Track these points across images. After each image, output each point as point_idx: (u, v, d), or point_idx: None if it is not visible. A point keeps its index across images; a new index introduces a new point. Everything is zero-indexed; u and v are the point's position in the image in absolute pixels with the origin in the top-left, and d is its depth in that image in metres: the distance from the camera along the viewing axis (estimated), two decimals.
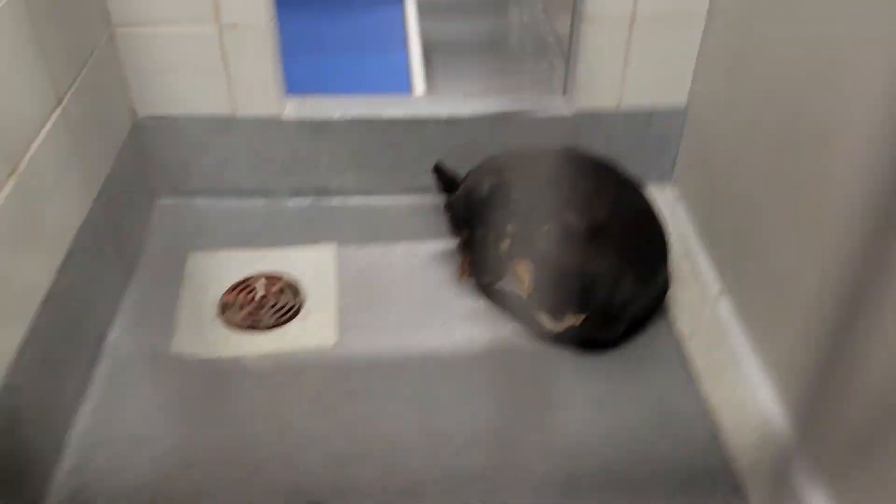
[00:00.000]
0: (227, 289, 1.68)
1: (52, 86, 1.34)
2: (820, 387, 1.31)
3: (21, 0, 1.22)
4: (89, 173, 1.50)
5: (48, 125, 1.32)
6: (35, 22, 1.28)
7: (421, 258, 1.78)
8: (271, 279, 1.70)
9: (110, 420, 1.40)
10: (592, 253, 1.52)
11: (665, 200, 1.83)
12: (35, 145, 1.27)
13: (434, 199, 1.90)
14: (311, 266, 1.75)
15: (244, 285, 1.69)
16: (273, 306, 1.64)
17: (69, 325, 1.38)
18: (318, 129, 1.81)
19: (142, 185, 1.80)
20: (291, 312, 1.63)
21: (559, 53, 2.48)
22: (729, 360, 1.50)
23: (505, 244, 1.68)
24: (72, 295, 1.38)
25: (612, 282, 1.50)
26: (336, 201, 1.91)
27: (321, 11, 2.58)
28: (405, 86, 2.17)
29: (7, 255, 1.18)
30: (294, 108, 1.81)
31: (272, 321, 1.61)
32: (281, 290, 1.68)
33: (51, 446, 1.30)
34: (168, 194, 1.87)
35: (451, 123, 1.82)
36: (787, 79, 1.38)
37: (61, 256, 1.36)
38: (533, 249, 1.62)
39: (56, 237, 1.35)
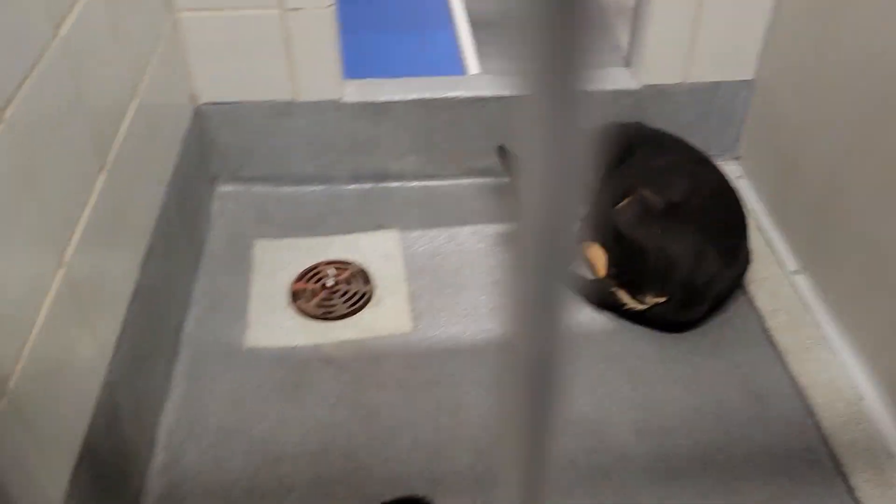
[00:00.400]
0: (296, 277, 1.66)
1: (130, 76, 1.31)
2: None
3: None
4: (160, 164, 1.48)
5: (128, 116, 1.29)
6: (112, 9, 1.24)
7: (488, 241, 1.75)
8: (340, 266, 1.68)
9: (196, 414, 1.39)
10: (673, 231, 1.50)
11: (729, 175, 1.81)
12: (119, 137, 1.24)
13: (497, 181, 1.88)
14: (376, 252, 1.73)
15: (313, 273, 1.67)
16: (345, 294, 1.62)
17: (153, 319, 1.36)
18: (378, 111, 1.78)
19: (203, 173, 1.77)
20: (364, 300, 1.61)
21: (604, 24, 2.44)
22: (814, 337, 1.49)
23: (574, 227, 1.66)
24: (154, 287, 1.36)
25: (694, 260, 1.48)
26: (396, 185, 1.88)
27: None
28: (457, 64, 2.14)
29: (103, 251, 1.16)
30: (354, 91, 1.78)
31: (346, 309, 1.59)
32: (351, 278, 1.66)
33: (144, 442, 1.29)
34: (228, 181, 1.85)
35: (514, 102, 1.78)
36: (878, 48, 1.35)
37: (143, 249, 1.34)
38: (607, 230, 1.60)
39: (138, 230, 1.33)
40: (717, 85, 1.79)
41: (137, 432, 1.27)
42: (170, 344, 1.45)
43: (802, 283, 1.59)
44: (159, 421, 1.36)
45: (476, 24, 2.35)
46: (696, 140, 1.75)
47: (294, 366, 1.49)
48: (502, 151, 1.75)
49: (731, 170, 1.89)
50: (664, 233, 1.50)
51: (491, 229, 1.78)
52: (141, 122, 1.35)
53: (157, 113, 1.46)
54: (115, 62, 1.25)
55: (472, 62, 2.09)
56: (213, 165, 1.82)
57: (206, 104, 1.72)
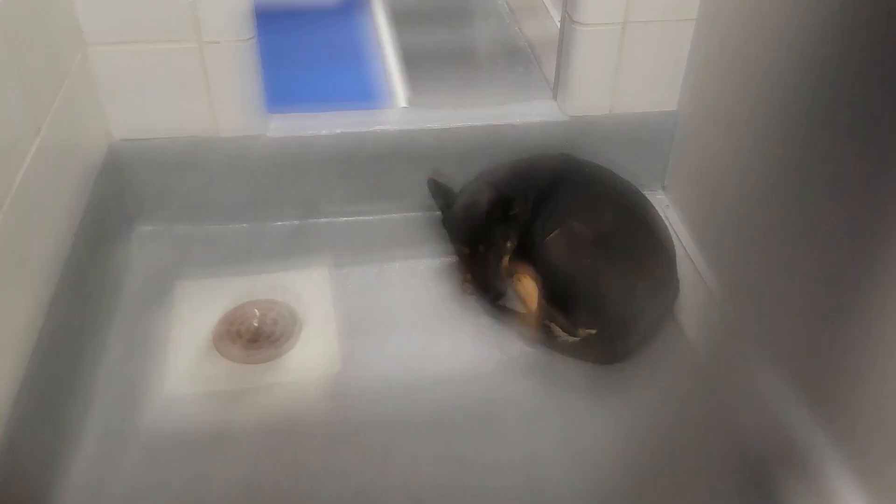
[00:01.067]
0: (219, 319, 1.59)
1: (32, 114, 1.24)
2: (842, 383, 1.30)
3: None
4: (69, 204, 1.40)
5: (29, 157, 1.22)
6: (12, 43, 1.18)
7: (419, 276, 1.72)
8: (265, 306, 1.62)
9: (107, 470, 1.30)
10: (602, 262, 1.49)
11: (657, 206, 1.82)
12: (17, 181, 1.17)
13: (427, 215, 1.85)
14: (304, 290, 1.68)
15: (238, 314, 1.60)
16: (271, 335, 1.56)
17: (61, 369, 1.28)
18: (303, 146, 1.74)
19: (119, 213, 1.69)
20: (291, 340, 1.55)
21: (532, 58, 2.46)
22: (744, 365, 1.49)
23: (506, 260, 1.64)
24: (61, 336, 1.29)
25: (624, 292, 1.47)
26: (325, 221, 1.84)
27: (283, 25, 2.49)
28: (384, 99, 2.11)
29: None
30: (278, 126, 1.73)
31: (271, 351, 1.53)
32: (277, 318, 1.60)
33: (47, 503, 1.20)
34: (147, 221, 1.77)
35: (443, 135, 1.77)
36: (791, 76, 1.38)
37: (49, 295, 1.26)
38: (538, 263, 1.59)
39: (43, 275, 1.25)
40: (643, 116, 1.81)
41: (43, 493, 1.18)
42: (80, 395, 1.36)
43: (730, 310, 1.60)
44: (67, 479, 1.27)
45: (407, 59, 2.33)
46: (623, 171, 1.76)
47: (216, 413, 1.42)
48: (433, 184, 1.72)
49: (659, 200, 1.90)
50: (594, 264, 1.49)
51: (422, 265, 1.75)
52: (46, 159, 1.28)
53: (64, 150, 1.39)
54: (14, 97, 1.19)
55: (400, 96, 2.08)
56: (130, 205, 1.74)
57: (121, 141, 1.66)
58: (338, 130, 1.74)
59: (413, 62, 2.43)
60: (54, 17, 1.39)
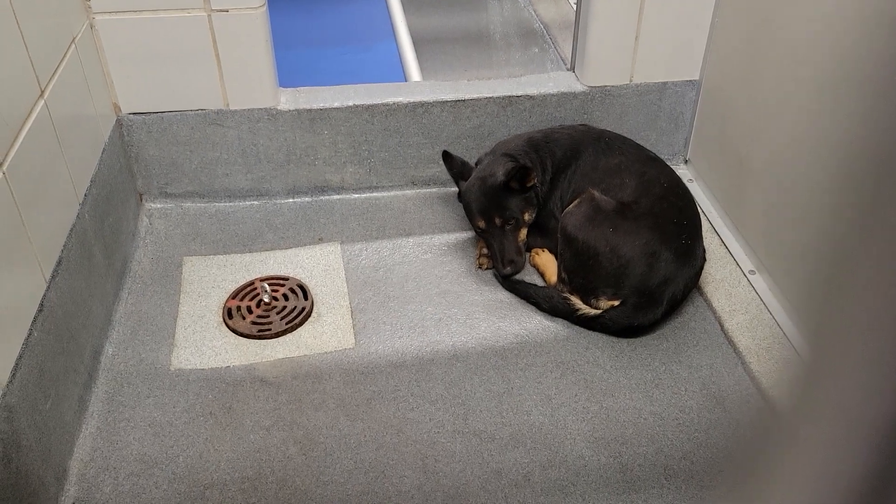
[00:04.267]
0: (229, 294, 1.55)
1: (35, 74, 1.21)
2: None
3: None
4: (74, 175, 1.37)
5: (32, 118, 1.19)
6: (15, 3, 1.14)
7: (434, 252, 1.67)
8: (276, 282, 1.58)
9: (115, 443, 1.26)
10: (624, 231, 1.43)
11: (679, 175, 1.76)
12: (19, 141, 1.13)
13: (440, 191, 1.80)
14: (317, 267, 1.63)
15: (248, 290, 1.56)
16: (282, 310, 1.52)
17: (64, 340, 1.24)
18: (315, 119, 1.70)
19: (128, 188, 1.66)
20: (302, 316, 1.51)
21: (548, 39, 2.41)
22: (774, 336, 1.43)
23: (523, 233, 1.59)
24: (64, 307, 1.25)
25: (647, 261, 1.41)
26: (337, 198, 1.79)
27: (300, 4, 2.47)
28: (399, 77, 2.07)
29: None
30: (289, 99, 1.69)
31: (283, 326, 1.48)
32: (288, 293, 1.56)
33: (52, 475, 1.16)
34: (156, 197, 1.74)
35: (457, 108, 1.72)
36: (816, 42, 1.31)
37: (52, 265, 1.23)
38: (557, 234, 1.53)
39: (45, 244, 1.22)
40: (663, 85, 1.75)
41: (43, 464, 1.14)
42: (85, 368, 1.33)
43: (759, 282, 1.53)
44: (72, 451, 1.23)
45: (421, 41, 2.30)
46: (645, 143, 1.70)
47: (225, 387, 1.37)
48: (448, 158, 1.67)
49: (682, 173, 1.84)
50: (616, 233, 1.44)
51: (437, 240, 1.70)
52: (49, 126, 1.25)
53: (70, 118, 1.36)
54: (17, 54, 1.15)
55: (414, 74, 2.03)
56: (139, 180, 1.71)
57: (130, 114, 1.62)
58: (350, 103, 1.69)
59: (427, 44, 2.39)
60: None
